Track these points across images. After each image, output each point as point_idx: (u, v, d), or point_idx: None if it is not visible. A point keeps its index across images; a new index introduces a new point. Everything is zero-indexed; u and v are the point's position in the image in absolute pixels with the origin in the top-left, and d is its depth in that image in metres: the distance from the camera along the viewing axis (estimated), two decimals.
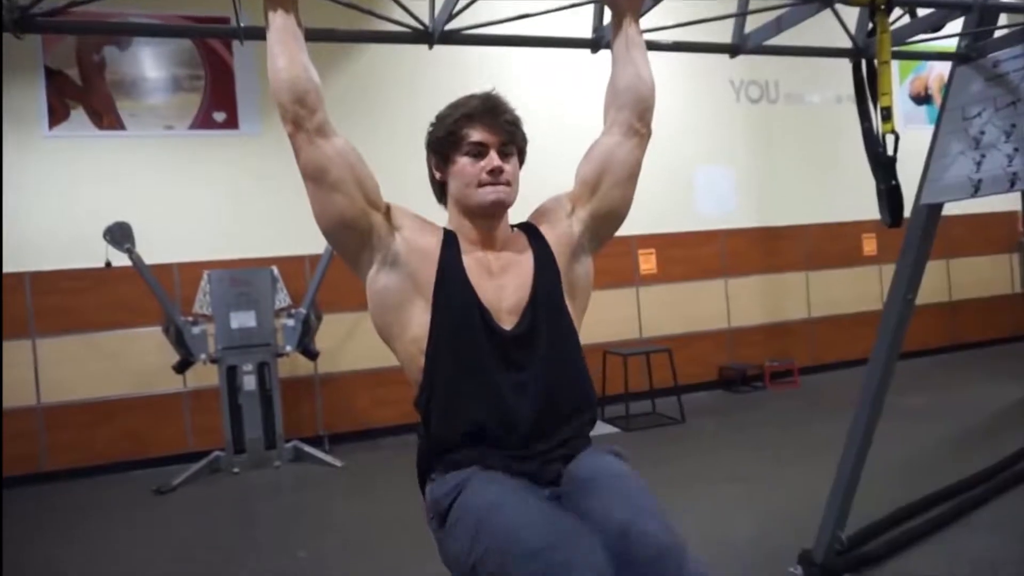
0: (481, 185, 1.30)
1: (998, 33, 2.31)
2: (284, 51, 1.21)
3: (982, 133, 2.26)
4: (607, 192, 1.41)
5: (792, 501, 3.82)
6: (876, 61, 2.12)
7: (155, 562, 3.80)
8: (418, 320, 1.27)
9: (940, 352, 8.37)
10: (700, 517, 3.82)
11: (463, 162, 1.31)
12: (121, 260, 5.22)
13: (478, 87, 1.46)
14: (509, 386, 1.24)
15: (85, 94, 5.74)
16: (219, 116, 6.04)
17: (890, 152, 2.03)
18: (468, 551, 1.18)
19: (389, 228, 1.30)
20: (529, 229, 1.38)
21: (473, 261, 1.30)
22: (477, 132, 1.30)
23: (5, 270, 5.44)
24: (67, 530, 4.41)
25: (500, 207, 1.33)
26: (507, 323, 1.27)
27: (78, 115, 5.72)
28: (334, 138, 1.27)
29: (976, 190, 2.29)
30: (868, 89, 2.20)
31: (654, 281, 7.23)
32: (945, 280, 8.58)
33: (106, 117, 5.79)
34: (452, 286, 1.26)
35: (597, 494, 1.23)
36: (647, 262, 7.18)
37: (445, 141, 1.32)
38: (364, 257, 1.30)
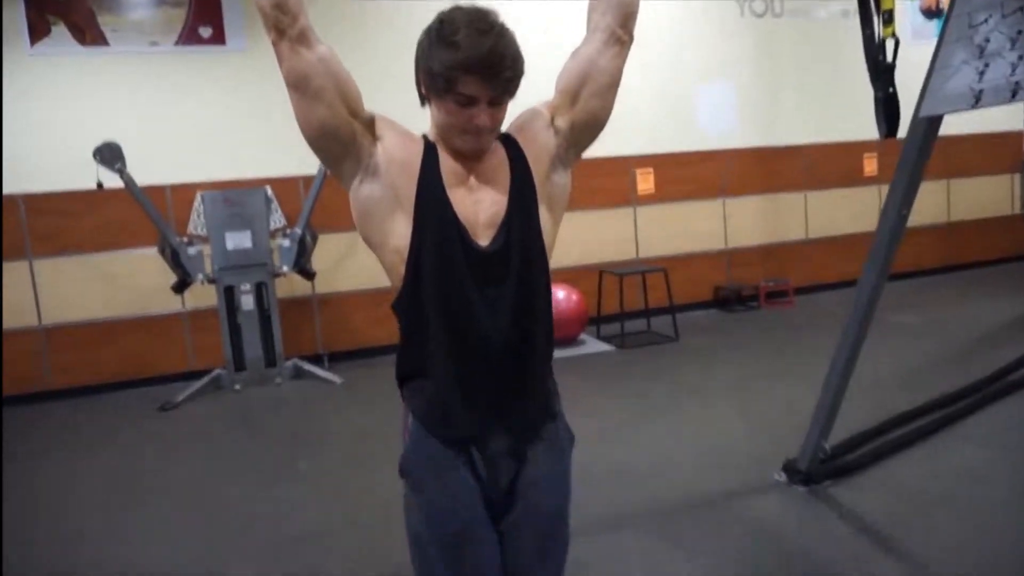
0: (466, 132, 1.26)
1: None
2: None
3: (987, 41, 2.19)
4: (587, 101, 1.37)
5: (781, 414, 3.92)
6: None
7: (162, 473, 3.92)
8: (399, 232, 1.27)
9: (937, 272, 8.40)
10: (691, 428, 3.93)
11: (450, 105, 1.24)
12: (113, 181, 5.17)
13: None
14: (481, 303, 1.25)
15: (66, 9, 5.53)
16: (205, 32, 5.85)
17: (889, 58, 1.98)
18: (409, 531, 1.37)
19: (371, 138, 1.27)
20: (508, 141, 1.35)
21: (451, 173, 1.28)
22: (471, 85, 1.20)
23: None
24: (75, 445, 4.53)
25: (480, 152, 1.30)
26: (483, 238, 1.26)
27: (59, 31, 5.54)
28: (317, 46, 1.22)
29: (976, 101, 2.24)
30: None
31: (652, 201, 7.17)
32: (944, 201, 8.52)
33: (88, 33, 5.60)
34: (431, 201, 1.24)
35: (528, 545, 1.37)
36: (645, 182, 7.10)
37: (436, 79, 1.23)
38: (347, 167, 1.28)
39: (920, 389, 4.05)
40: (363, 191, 1.28)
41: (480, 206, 1.27)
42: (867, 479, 3.11)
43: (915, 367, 4.78)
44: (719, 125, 7.37)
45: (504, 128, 1.38)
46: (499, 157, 1.32)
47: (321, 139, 1.25)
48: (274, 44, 1.21)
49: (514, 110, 1.44)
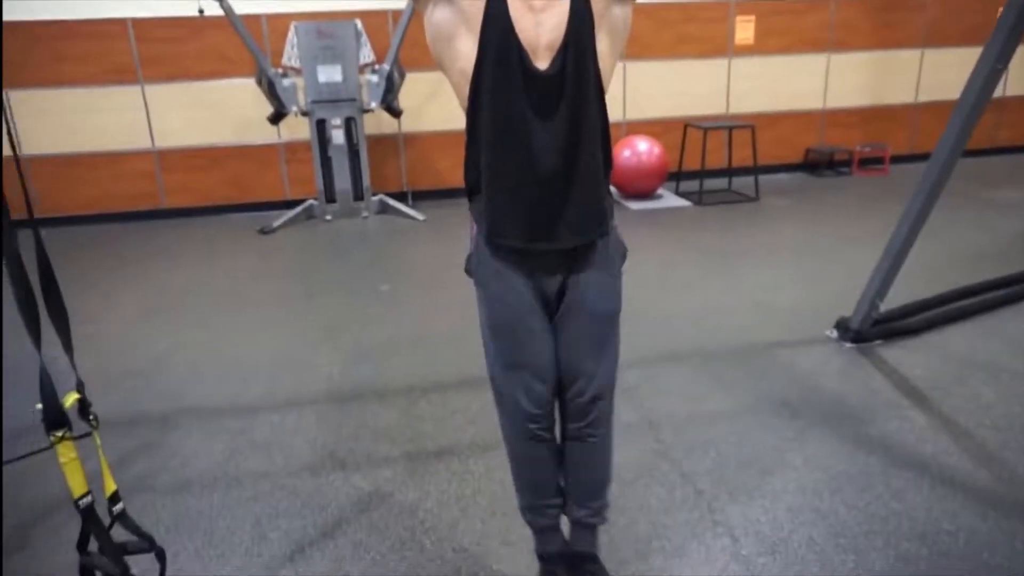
0: None
1: None
2: None
3: None
4: None
5: (845, 278, 3.93)
6: None
7: (261, 287, 4.39)
8: (466, 53, 1.38)
9: None
10: (752, 284, 4.03)
11: None
12: (213, 8, 5.32)
13: None
14: (535, 123, 1.38)
15: None
16: None
17: None
18: (480, 313, 1.62)
19: None
20: None
21: (516, 1, 1.36)
22: None
23: (106, 15, 5.68)
24: (184, 258, 5.05)
25: None
26: (543, 60, 1.36)
27: None
28: None
29: None
30: None
31: (749, 53, 6.80)
32: None
33: None
34: (495, 23, 1.35)
35: (579, 333, 1.56)
36: (744, 30, 6.70)
37: None
38: None
39: (994, 266, 3.95)
40: (436, 14, 1.40)
41: (541, 29, 1.36)
42: (917, 342, 3.18)
43: (996, 244, 4.61)
44: None
45: None
46: None
47: None
48: None
49: None
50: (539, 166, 1.41)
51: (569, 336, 1.57)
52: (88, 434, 1.43)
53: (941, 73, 7.24)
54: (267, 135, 6.17)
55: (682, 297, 3.86)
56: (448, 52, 1.42)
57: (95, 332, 3.64)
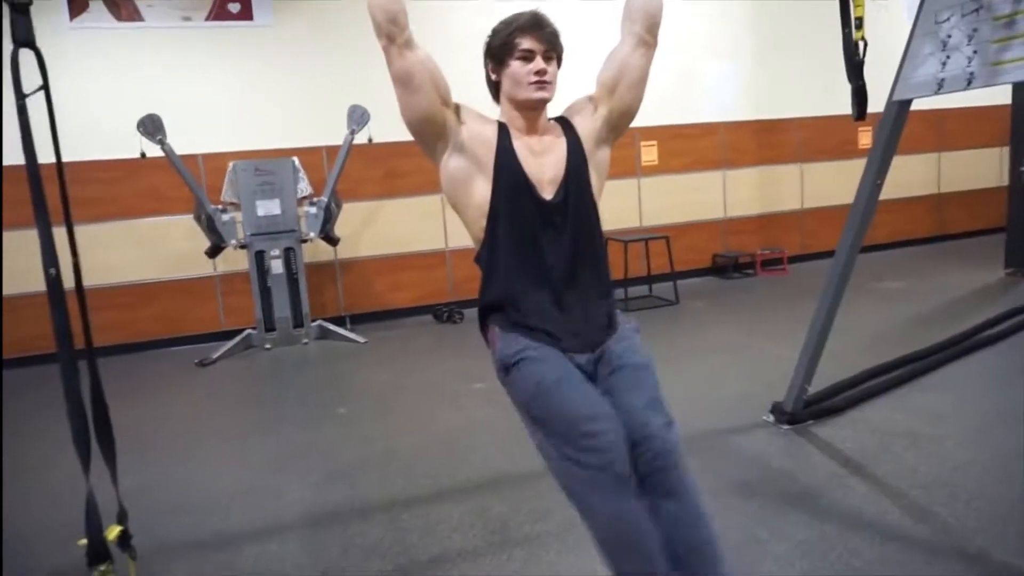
0: (530, 84, 1.66)
1: None
2: None
3: (949, 36, 2.55)
4: (622, 94, 1.78)
5: (771, 368, 4.33)
6: None
7: (211, 420, 4.35)
8: (481, 191, 1.66)
9: (927, 242, 8.81)
10: (690, 380, 4.36)
11: (515, 65, 1.67)
12: (153, 151, 5.51)
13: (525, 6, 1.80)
14: (547, 242, 1.65)
15: None
16: (233, 7, 6.16)
17: (860, 56, 2.35)
18: (527, 401, 1.61)
19: (457, 122, 1.67)
20: (563, 121, 1.77)
21: (521, 145, 1.68)
22: (527, 41, 1.66)
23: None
24: (118, 398, 4.93)
25: (543, 102, 1.70)
26: (548, 193, 1.67)
27: (97, 6, 5.85)
28: (418, 50, 1.61)
29: (939, 87, 2.60)
30: None
31: (655, 172, 7.54)
32: (935, 173, 8.88)
33: (124, 9, 5.91)
34: (506, 165, 1.65)
35: (624, 384, 1.60)
36: (649, 154, 7.47)
37: (501, 48, 1.68)
38: (439, 145, 1.67)
39: (896, 347, 4.47)
40: (452, 163, 1.68)
41: (544, 167, 1.68)
42: (844, 420, 3.54)
43: (893, 328, 5.19)
44: (719, 99, 7.71)
45: (559, 113, 1.79)
46: (557, 132, 1.74)
47: (420, 123, 1.64)
48: (384, 49, 1.59)
49: (564, 101, 1.85)
50: (553, 275, 1.67)
51: (620, 392, 1.59)
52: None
53: (818, 183, 8.23)
54: (203, 268, 6.24)
55: None
56: (464, 192, 1.69)
57: (55, 478, 3.51)
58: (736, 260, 7.79)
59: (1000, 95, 8.19)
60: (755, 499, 2.78)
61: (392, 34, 1.57)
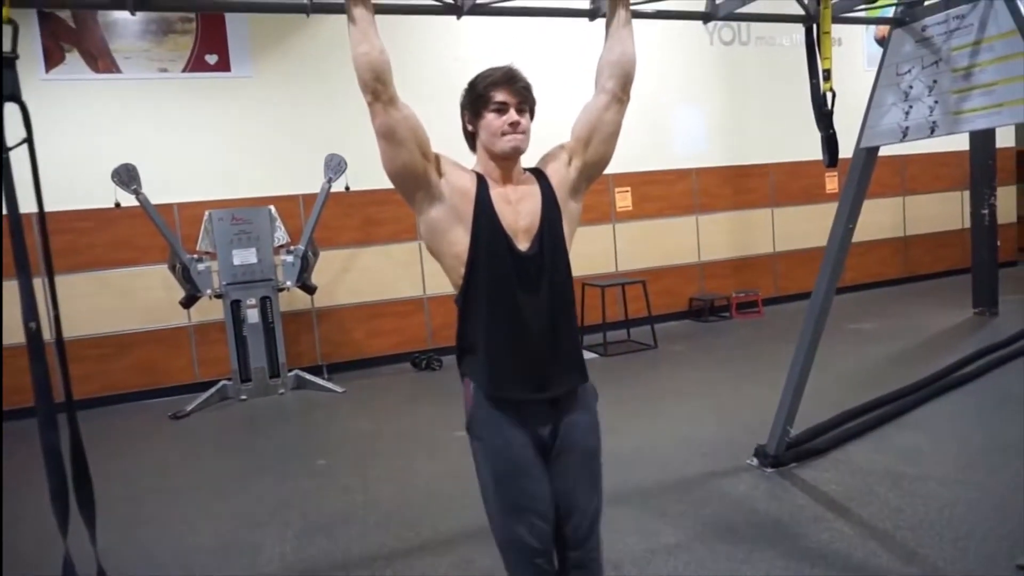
0: (504, 135, 1.70)
1: (928, 1, 2.70)
2: (365, 39, 1.59)
3: (911, 87, 2.67)
4: (596, 147, 1.84)
5: (751, 411, 4.35)
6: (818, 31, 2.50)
7: (187, 473, 4.23)
8: (459, 241, 1.69)
9: (894, 284, 9.01)
10: (671, 424, 4.35)
11: (490, 117, 1.71)
12: (127, 200, 5.47)
13: (499, 55, 1.86)
14: (522, 293, 1.68)
15: (79, 36, 5.87)
16: (211, 59, 6.21)
17: (829, 106, 2.44)
18: (481, 480, 1.78)
19: (437, 173, 1.71)
20: (537, 172, 1.80)
21: (497, 195, 1.72)
22: (501, 94, 1.71)
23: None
24: (89, 452, 4.79)
25: (517, 152, 1.74)
26: (523, 243, 1.70)
27: (73, 58, 5.86)
28: (401, 106, 1.65)
29: (904, 135, 2.71)
30: (818, 50, 2.58)
31: (630, 218, 7.66)
32: (901, 217, 9.14)
33: (101, 61, 5.93)
34: (484, 216, 1.69)
35: (573, 472, 1.76)
36: (623, 200, 7.59)
37: (477, 101, 1.73)
38: (419, 195, 1.70)
39: (873, 387, 4.53)
40: (432, 213, 1.70)
41: (519, 216, 1.71)
42: (826, 461, 3.56)
43: (869, 368, 5.27)
44: (691, 146, 7.90)
45: (533, 164, 1.82)
46: (532, 183, 1.77)
47: (402, 175, 1.66)
48: (369, 105, 1.62)
49: (541, 149, 1.89)
50: (528, 326, 1.68)
51: (565, 475, 1.76)
52: None
53: (789, 226, 8.42)
54: (177, 318, 6.15)
55: (611, 441, 4.06)
56: (443, 242, 1.71)
57: (28, 536, 3.36)
58: (712, 303, 7.88)
59: (959, 141, 8.51)
60: (742, 544, 2.76)
61: (377, 91, 1.60)
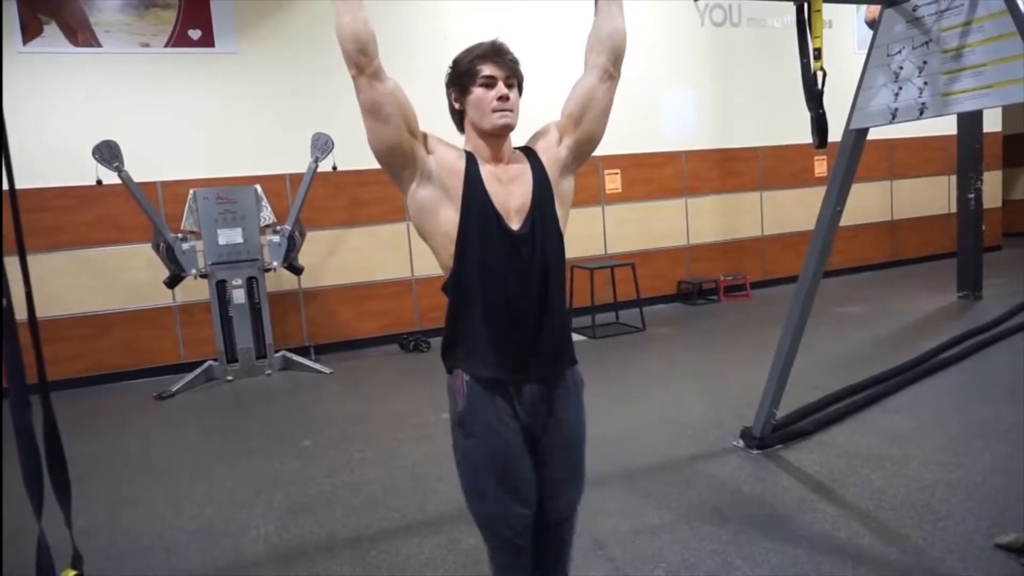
0: (493, 111, 1.66)
1: None
2: (349, 9, 1.53)
3: (901, 68, 2.65)
4: (587, 124, 1.79)
5: (737, 394, 4.37)
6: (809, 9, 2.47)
7: (174, 454, 4.20)
8: (449, 219, 1.64)
9: (882, 267, 9.05)
10: (659, 406, 4.36)
11: (478, 92, 1.67)
12: (110, 178, 5.39)
13: (487, 32, 1.81)
14: (512, 273, 1.64)
15: (58, 9, 5.74)
16: (194, 34, 6.10)
17: (819, 86, 2.41)
18: (463, 475, 1.75)
19: (425, 151, 1.66)
20: (528, 151, 1.76)
21: (488, 173, 1.67)
22: (488, 68, 1.67)
23: None
24: (73, 433, 4.75)
25: (507, 128, 1.69)
26: (515, 222, 1.65)
27: (52, 31, 5.74)
28: (387, 80, 1.60)
29: (893, 117, 2.69)
30: (809, 30, 2.55)
31: (619, 200, 7.63)
32: (888, 201, 9.16)
33: (81, 34, 5.81)
34: (474, 194, 1.63)
35: (558, 465, 1.75)
36: (612, 182, 7.56)
37: (463, 76, 1.68)
38: (406, 174, 1.65)
39: (858, 370, 4.55)
40: (420, 192, 1.66)
41: (511, 197, 1.66)
42: (811, 443, 3.58)
43: (854, 352, 5.29)
44: (681, 129, 7.87)
45: (524, 142, 1.78)
46: (523, 162, 1.73)
47: (388, 153, 1.62)
48: (354, 79, 1.57)
49: (530, 128, 1.85)
50: (518, 306, 1.65)
51: (552, 465, 1.74)
52: None
53: (777, 210, 8.42)
54: (162, 298, 6.09)
55: (598, 423, 4.07)
56: (432, 220, 1.66)
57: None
58: (700, 286, 7.89)
59: (947, 125, 8.53)
60: (728, 525, 2.77)
61: (361, 64, 1.55)
